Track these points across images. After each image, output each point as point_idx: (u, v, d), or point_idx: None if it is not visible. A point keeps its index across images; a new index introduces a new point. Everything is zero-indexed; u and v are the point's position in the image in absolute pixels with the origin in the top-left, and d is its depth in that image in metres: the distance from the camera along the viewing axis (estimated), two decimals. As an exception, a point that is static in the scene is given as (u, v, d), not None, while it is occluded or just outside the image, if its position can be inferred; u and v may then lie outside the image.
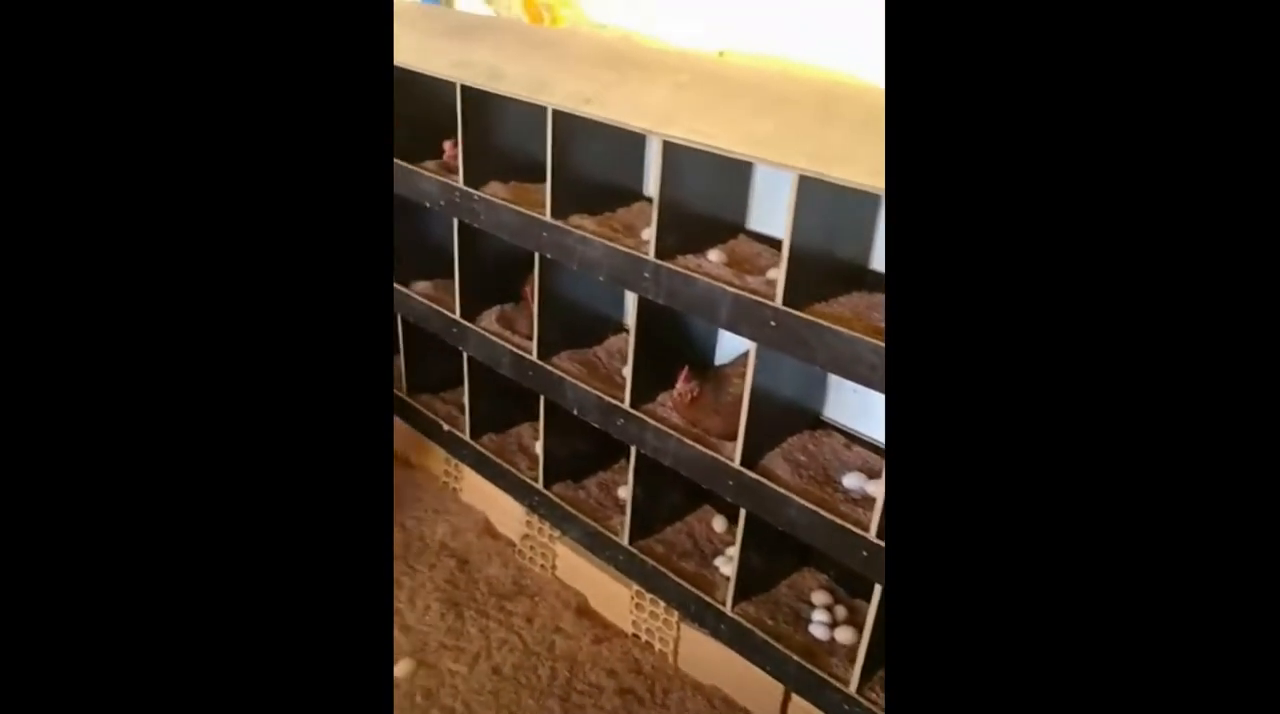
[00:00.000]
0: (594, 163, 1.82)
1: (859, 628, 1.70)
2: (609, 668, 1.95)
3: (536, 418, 2.09)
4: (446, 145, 2.05)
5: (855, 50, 1.63)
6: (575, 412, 1.94)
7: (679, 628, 1.93)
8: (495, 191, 1.93)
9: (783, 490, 1.57)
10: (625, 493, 2.02)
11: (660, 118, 1.53)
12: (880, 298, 1.51)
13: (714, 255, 1.64)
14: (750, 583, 1.79)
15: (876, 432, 1.75)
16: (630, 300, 2.12)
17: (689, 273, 1.56)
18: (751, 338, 1.50)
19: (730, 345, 1.94)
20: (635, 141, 1.90)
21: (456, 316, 2.14)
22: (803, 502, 1.53)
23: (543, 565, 2.21)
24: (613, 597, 2.06)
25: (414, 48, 2.00)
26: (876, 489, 1.56)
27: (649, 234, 1.65)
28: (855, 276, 1.57)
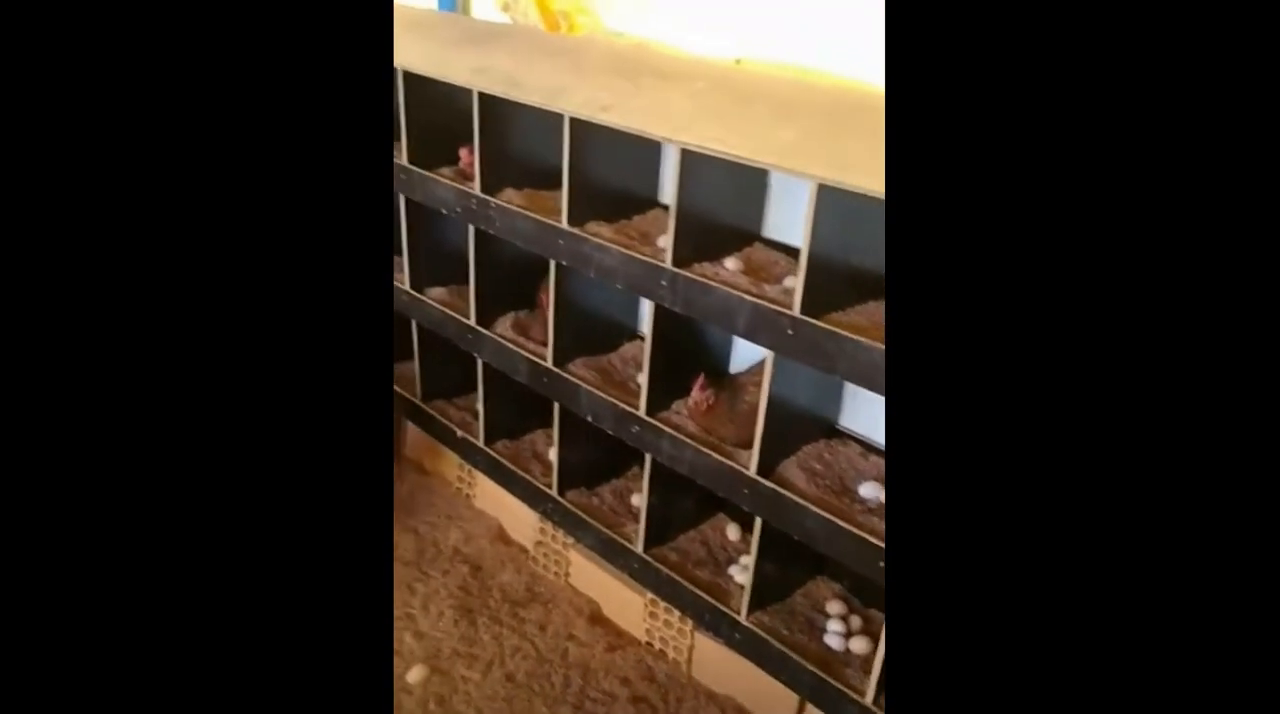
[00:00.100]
0: (610, 170, 1.82)
1: (874, 638, 1.69)
2: (622, 676, 1.95)
3: (549, 424, 2.09)
4: (463, 152, 2.06)
5: (872, 58, 1.63)
6: (590, 419, 1.93)
7: (693, 636, 1.93)
8: (511, 198, 1.93)
9: (799, 500, 1.56)
10: (639, 500, 2.02)
11: (677, 125, 1.53)
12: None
13: (730, 263, 1.64)
14: (765, 592, 1.78)
15: (893, 441, 1.74)
16: (645, 308, 2.12)
17: (706, 281, 1.56)
18: (769, 347, 1.50)
19: (745, 353, 1.93)
20: (651, 149, 1.90)
21: (472, 323, 2.14)
22: (819, 511, 1.53)
23: (556, 572, 2.21)
24: (626, 604, 2.05)
25: (431, 55, 2.01)
26: (893, 499, 1.55)
27: (665, 242, 1.65)
28: (873, 286, 1.57)
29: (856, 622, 1.79)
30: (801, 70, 1.77)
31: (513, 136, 1.94)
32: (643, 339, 2.09)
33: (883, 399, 1.47)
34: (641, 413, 1.80)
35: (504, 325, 2.14)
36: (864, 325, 1.42)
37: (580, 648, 2.02)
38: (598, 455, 2.13)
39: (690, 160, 1.52)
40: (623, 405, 1.84)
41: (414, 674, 1.90)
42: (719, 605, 1.82)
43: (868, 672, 1.60)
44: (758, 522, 1.66)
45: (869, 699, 1.58)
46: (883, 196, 1.24)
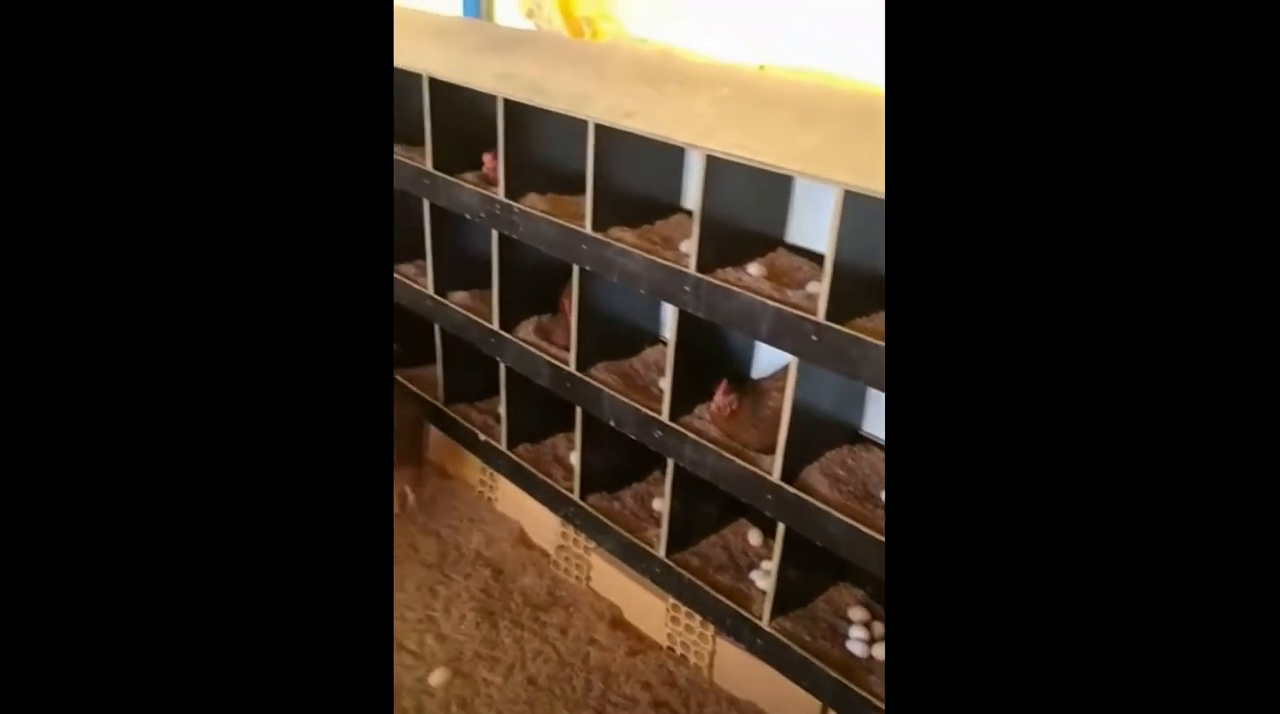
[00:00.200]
0: (633, 176, 1.82)
1: (898, 645, 1.68)
2: (644, 681, 1.95)
3: (571, 428, 2.09)
4: (486, 158, 2.07)
5: (897, 64, 1.63)
6: (612, 423, 1.94)
7: (714, 642, 1.93)
8: (534, 204, 1.94)
9: (822, 505, 1.56)
10: (660, 505, 2.02)
11: (702, 131, 1.54)
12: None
13: (754, 269, 1.64)
14: (787, 598, 1.78)
15: (916, 447, 1.73)
16: (667, 312, 2.12)
17: (729, 286, 1.56)
18: (793, 352, 1.50)
19: (767, 358, 1.93)
20: (674, 155, 1.90)
21: (495, 327, 2.15)
22: (842, 517, 1.52)
23: (577, 576, 2.21)
24: (647, 609, 2.06)
25: (455, 61, 2.03)
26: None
27: (688, 247, 1.66)
28: (897, 291, 1.56)
29: (879, 628, 1.78)
30: (825, 76, 1.77)
31: (536, 142, 1.95)
32: (664, 344, 2.10)
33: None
34: (664, 418, 1.80)
35: (526, 330, 2.15)
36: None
37: (601, 652, 2.02)
38: (619, 460, 2.14)
39: (714, 166, 1.52)
40: (645, 410, 1.84)
41: (436, 677, 1.91)
42: (741, 611, 1.82)
43: (891, 679, 1.59)
44: (780, 527, 1.66)
45: (892, 706, 1.57)
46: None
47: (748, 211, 1.69)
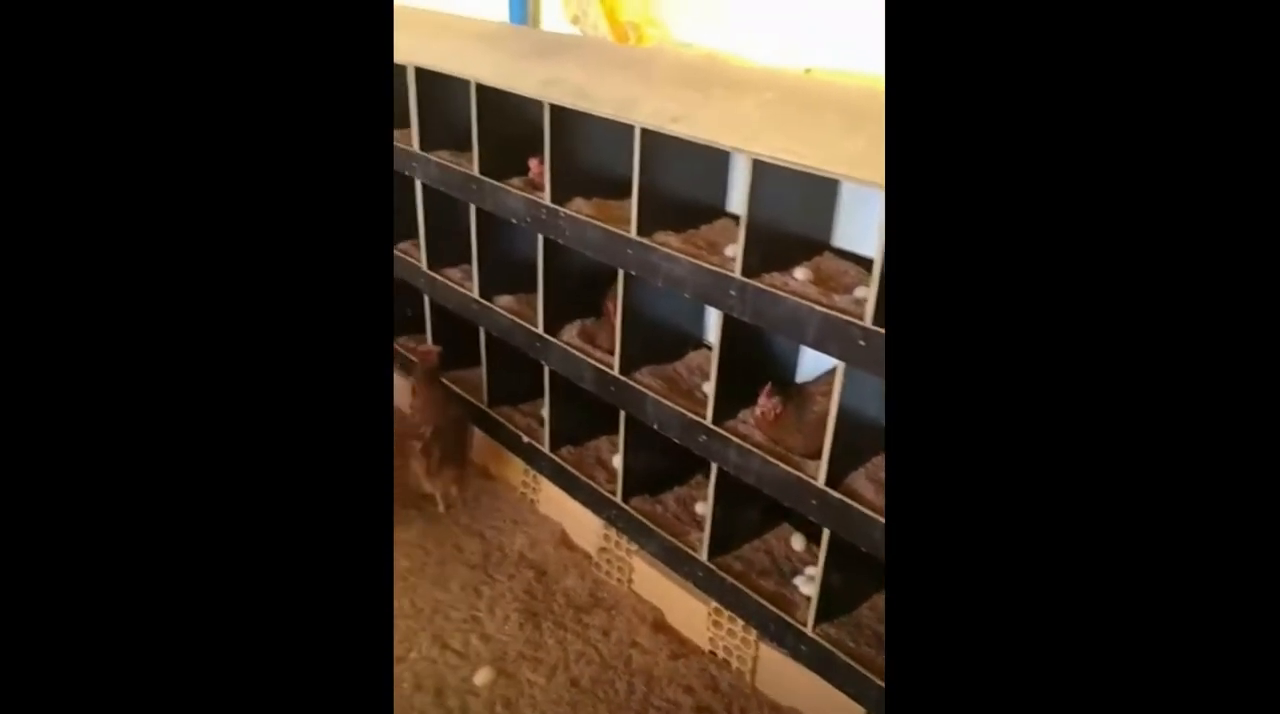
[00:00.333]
0: (678, 180, 1.83)
1: (944, 654, 1.66)
2: (686, 684, 1.95)
3: (614, 431, 2.10)
4: (532, 163, 2.09)
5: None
6: (656, 427, 1.95)
7: (757, 647, 1.92)
8: (580, 208, 1.96)
9: (869, 511, 1.55)
10: (703, 508, 2.02)
11: (748, 136, 1.54)
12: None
13: (800, 273, 1.63)
14: (831, 604, 1.77)
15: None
16: (710, 316, 2.12)
17: (775, 291, 1.56)
18: (839, 357, 1.49)
19: (812, 362, 1.92)
20: (719, 159, 1.91)
21: (539, 330, 2.17)
22: (889, 523, 1.51)
23: (619, 579, 2.22)
24: (690, 613, 2.06)
25: (502, 67, 2.05)
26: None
27: (733, 251, 1.66)
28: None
29: (925, 636, 1.76)
30: (872, 78, 1.76)
31: (582, 147, 1.97)
32: (708, 348, 2.10)
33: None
34: (708, 422, 1.80)
35: (570, 333, 2.16)
36: (937, 336, 1.40)
37: (644, 655, 2.03)
38: (661, 463, 2.14)
39: (761, 170, 1.52)
40: (690, 414, 1.85)
41: (481, 676, 1.93)
42: (784, 616, 1.81)
43: (938, 688, 1.57)
44: (825, 533, 1.65)
45: (939, 716, 1.55)
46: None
47: (793, 215, 1.69)
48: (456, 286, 2.42)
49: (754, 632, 1.91)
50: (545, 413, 2.30)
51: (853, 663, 1.69)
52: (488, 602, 2.16)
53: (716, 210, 1.96)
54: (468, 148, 2.17)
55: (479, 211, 2.23)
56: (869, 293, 1.41)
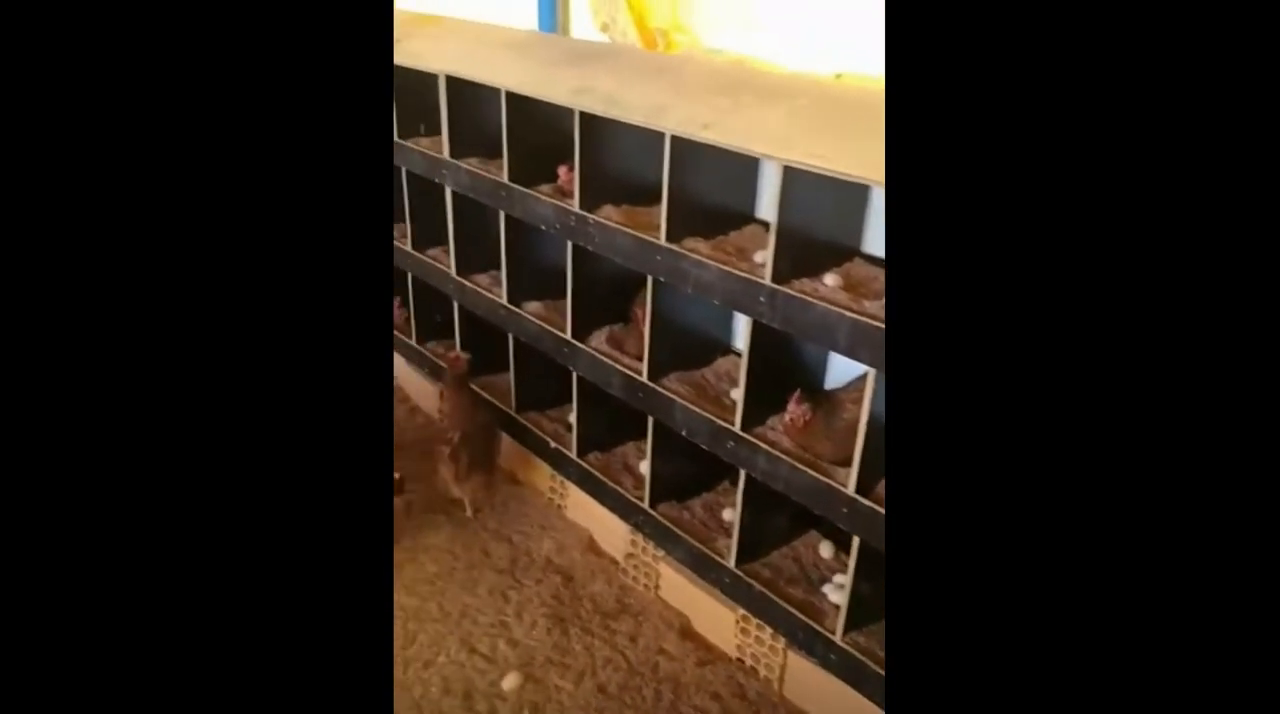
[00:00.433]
0: (708, 187, 1.83)
1: (976, 665, 1.64)
2: (713, 692, 1.94)
3: (641, 437, 2.10)
4: (562, 170, 2.10)
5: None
6: (684, 433, 1.94)
7: (785, 655, 1.91)
8: (609, 215, 1.96)
9: (899, 519, 1.53)
10: (730, 515, 2.01)
11: (778, 142, 1.53)
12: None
13: (830, 279, 1.63)
14: (861, 612, 1.75)
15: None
16: (739, 323, 2.12)
17: (805, 297, 1.56)
18: (870, 364, 1.48)
19: (841, 369, 1.91)
20: (748, 165, 1.91)
21: (568, 336, 2.18)
22: (920, 532, 1.50)
23: (646, 585, 2.22)
24: (718, 620, 2.05)
25: (532, 75, 2.06)
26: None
27: (762, 257, 1.65)
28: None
29: (956, 647, 1.74)
30: (903, 84, 1.75)
31: (611, 154, 1.98)
32: (737, 354, 2.10)
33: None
34: (737, 428, 1.80)
35: (599, 339, 2.17)
36: (970, 343, 1.39)
37: (671, 662, 2.02)
38: (689, 469, 2.14)
39: (791, 176, 1.52)
40: (718, 421, 1.84)
41: (509, 681, 1.94)
42: (813, 624, 1.80)
43: (970, 699, 1.55)
44: (855, 541, 1.64)
45: (971, 727, 1.53)
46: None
47: (824, 221, 1.68)
48: (485, 292, 2.44)
49: (782, 639, 1.90)
50: (573, 419, 2.31)
51: (883, 672, 1.67)
52: (515, 607, 2.17)
53: (746, 216, 1.96)
54: (497, 155, 2.18)
55: (508, 218, 2.24)
56: (901, 299, 1.40)
